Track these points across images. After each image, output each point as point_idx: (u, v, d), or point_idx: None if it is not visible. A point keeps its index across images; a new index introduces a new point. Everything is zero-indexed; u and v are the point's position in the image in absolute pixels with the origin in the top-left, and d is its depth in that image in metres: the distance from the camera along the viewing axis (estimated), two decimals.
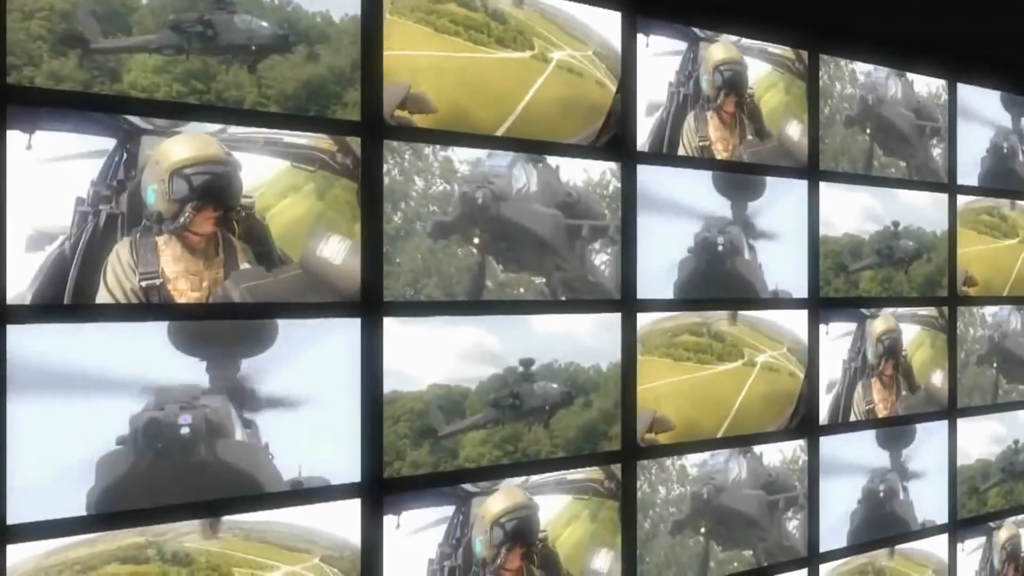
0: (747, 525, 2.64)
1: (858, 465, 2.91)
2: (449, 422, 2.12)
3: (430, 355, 2.11)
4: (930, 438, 3.09)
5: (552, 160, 2.29)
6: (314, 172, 1.96)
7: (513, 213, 2.22)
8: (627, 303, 2.41)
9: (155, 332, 1.79)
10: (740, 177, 2.64)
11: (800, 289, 2.76)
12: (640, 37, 2.44)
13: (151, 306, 1.78)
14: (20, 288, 1.67)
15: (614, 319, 2.39)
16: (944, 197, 3.13)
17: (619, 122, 2.40)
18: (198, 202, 1.81)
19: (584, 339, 2.34)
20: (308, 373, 1.94)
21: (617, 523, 2.39)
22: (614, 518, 2.39)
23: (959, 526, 3.18)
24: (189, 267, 1.82)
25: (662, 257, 2.49)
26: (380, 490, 2.04)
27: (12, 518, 1.66)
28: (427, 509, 2.11)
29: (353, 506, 2.00)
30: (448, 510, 2.15)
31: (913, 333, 3.04)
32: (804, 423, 2.76)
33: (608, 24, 2.39)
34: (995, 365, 3.28)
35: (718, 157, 2.59)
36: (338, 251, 1.98)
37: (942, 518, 3.13)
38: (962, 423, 3.18)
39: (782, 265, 2.72)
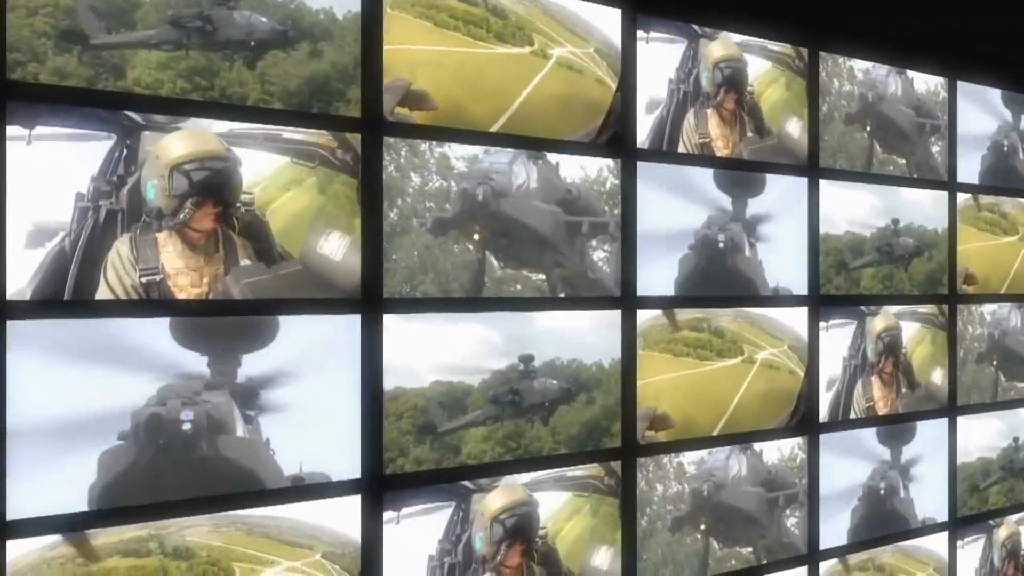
0: (747, 522, 2.64)
1: (858, 463, 2.91)
2: (451, 419, 2.13)
3: (434, 352, 2.11)
4: (930, 436, 3.09)
5: (552, 157, 2.29)
6: (314, 168, 1.96)
7: (513, 209, 2.22)
8: (627, 300, 2.41)
9: (157, 328, 1.79)
10: (741, 174, 2.64)
11: (800, 286, 2.76)
12: (640, 34, 2.44)
13: (151, 302, 1.78)
14: (20, 284, 1.67)
15: (616, 316, 2.39)
16: (944, 195, 3.13)
17: (619, 120, 2.40)
18: (198, 198, 1.81)
19: (587, 336, 2.34)
20: (309, 369, 1.94)
21: (617, 520, 2.39)
22: (614, 515, 2.39)
23: (959, 524, 3.18)
24: (189, 263, 1.83)
25: (663, 254, 2.49)
26: (380, 486, 2.04)
27: (12, 513, 1.66)
28: (427, 505, 2.11)
29: (353, 502, 2.00)
30: (448, 507, 2.15)
31: (913, 331, 3.04)
32: (804, 421, 2.77)
33: (608, 21, 2.39)
34: (995, 363, 3.28)
35: (718, 154, 2.59)
36: (338, 247, 1.98)
37: (942, 516, 3.13)
38: (962, 421, 3.18)
39: (782, 262, 2.72)
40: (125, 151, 1.76)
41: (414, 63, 2.08)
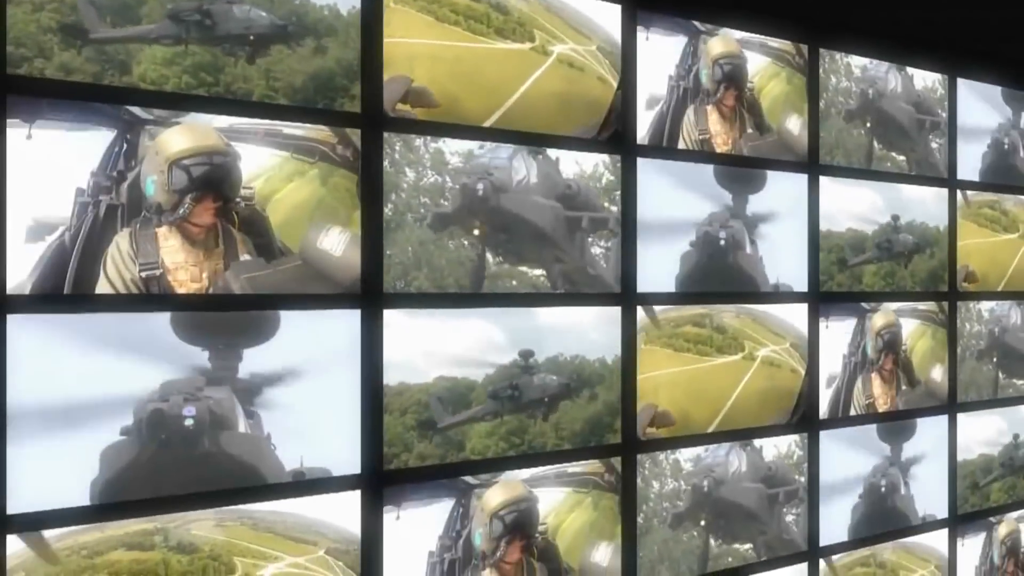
0: (747, 518, 2.64)
1: (859, 460, 2.91)
2: (454, 414, 2.12)
3: (438, 348, 2.11)
4: (930, 433, 3.09)
5: (552, 152, 2.29)
6: (314, 163, 1.96)
7: (513, 205, 2.22)
8: (627, 296, 2.41)
9: (158, 322, 1.79)
10: (741, 170, 2.64)
11: (801, 283, 2.76)
12: (640, 30, 2.44)
13: (151, 296, 1.78)
14: (20, 278, 1.67)
15: (617, 312, 2.39)
16: (944, 191, 3.13)
17: (619, 118, 2.40)
18: (197, 193, 1.81)
19: (590, 332, 2.34)
20: (310, 365, 1.94)
21: (617, 516, 2.39)
22: (614, 511, 2.39)
23: (959, 521, 3.18)
24: (189, 258, 1.83)
25: (664, 250, 2.49)
26: (380, 482, 2.04)
27: (13, 508, 1.66)
28: (427, 501, 2.11)
29: (353, 498, 2.00)
30: (448, 502, 2.15)
31: (913, 328, 3.04)
32: (804, 418, 2.76)
33: (609, 18, 2.39)
34: (995, 360, 3.28)
35: (718, 151, 2.59)
36: (338, 243, 1.98)
37: (942, 513, 3.13)
38: (962, 418, 3.18)
39: (783, 259, 2.72)
40: (125, 146, 1.76)
41: (412, 56, 2.08)
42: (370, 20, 2.03)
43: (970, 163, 3.22)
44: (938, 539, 3.13)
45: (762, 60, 2.70)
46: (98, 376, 1.73)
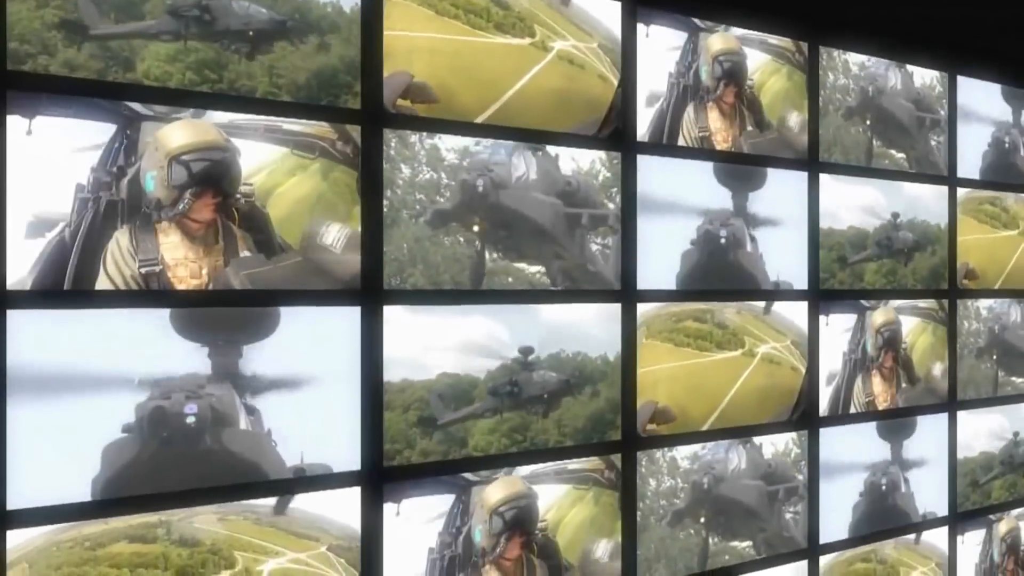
0: (746, 515, 2.64)
1: (859, 458, 2.91)
2: (455, 411, 2.12)
3: (441, 344, 2.11)
4: (930, 430, 3.09)
5: (551, 149, 2.29)
6: (314, 159, 1.96)
7: (513, 201, 2.22)
8: (627, 294, 2.41)
9: (157, 318, 1.79)
10: (741, 168, 2.64)
11: (801, 280, 2.76)
12: (640, 27, 2.44)
13: (151, 292, 1.78)
14: (20, 274, 1.67)
15: (618, 309, 2.39)
16: (944, 189, 3.13)
17: (620, 115, 2.40)
18: (197, 188, 1.81)
19: (591, 328, 2.34)
20: (309, 360, 1.94)
21: (617, 513, 2.39)
22: (614, 507, 2.39)
23: (959, 518, 3.18)
24: (189, 254, 1.83)
25: (665, 248, 2.49)
26: (380, 478, 2.04)
27: (13, 504, 1.66)
28: (427, 497, 2.11)
29: (353, 494, 2.00)
30: (448, 499, 2.15)
31: (913, 325, 3.04)
32: (804, 415, 2.76)
33: (609, 14, 2.38)
34: (994, 358, 3.28)
35: (718, 148, 2.59)
36: (338, 239, 1.98)
37: (943, 510, 3.13)
38: (963, 415, 3.18)
39: (783, 256, 2.72)
40: (125, 142, 1.76)
41: (411, 49, 2.08)
42: (370, 16, 2.03)
43: (970, 161, 3.22)
44: (938, 536, 3.12)
45: (762, 57, 2.70)
46: (98, 372, 1.72)
